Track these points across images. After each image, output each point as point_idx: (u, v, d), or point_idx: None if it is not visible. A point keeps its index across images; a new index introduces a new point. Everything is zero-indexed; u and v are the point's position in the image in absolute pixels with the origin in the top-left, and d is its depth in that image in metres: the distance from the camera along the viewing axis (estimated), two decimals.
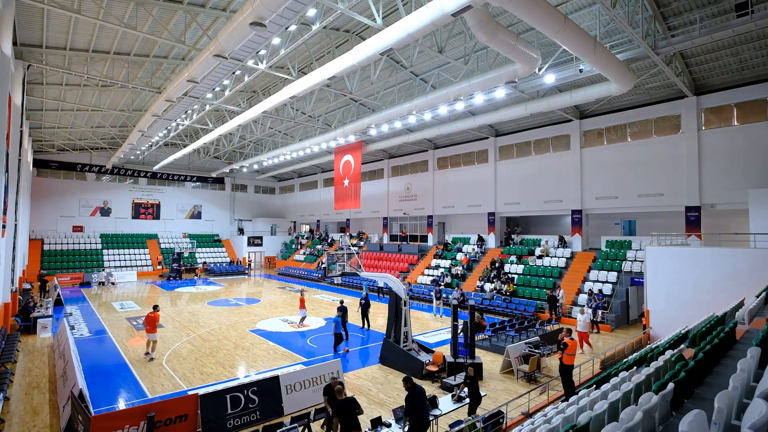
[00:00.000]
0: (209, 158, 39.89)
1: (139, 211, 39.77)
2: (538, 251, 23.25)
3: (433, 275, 26.00)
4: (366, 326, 17.04)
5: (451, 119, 23.33)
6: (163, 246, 38.78)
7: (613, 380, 6.28)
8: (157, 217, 40.77)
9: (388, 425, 7.31)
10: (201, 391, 8.38)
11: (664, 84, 18.05)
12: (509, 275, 22.32)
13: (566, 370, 9.50)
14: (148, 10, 13.71)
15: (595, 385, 7.19)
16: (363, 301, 17.16)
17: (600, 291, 18.28)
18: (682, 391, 4.74)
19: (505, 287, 21.35)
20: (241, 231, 44.34)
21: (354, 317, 17.14)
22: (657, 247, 15.26)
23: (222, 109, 25.78)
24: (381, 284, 23.83)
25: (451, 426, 7.24)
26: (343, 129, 23.24)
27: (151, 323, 12.71)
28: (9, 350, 11.97)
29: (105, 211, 37.88)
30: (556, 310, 17.86)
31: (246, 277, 36.19)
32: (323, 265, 30.51)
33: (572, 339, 9.63)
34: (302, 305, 17.34)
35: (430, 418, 7.31)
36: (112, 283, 30.32)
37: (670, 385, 4.38)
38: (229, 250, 42.41)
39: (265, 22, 10.48)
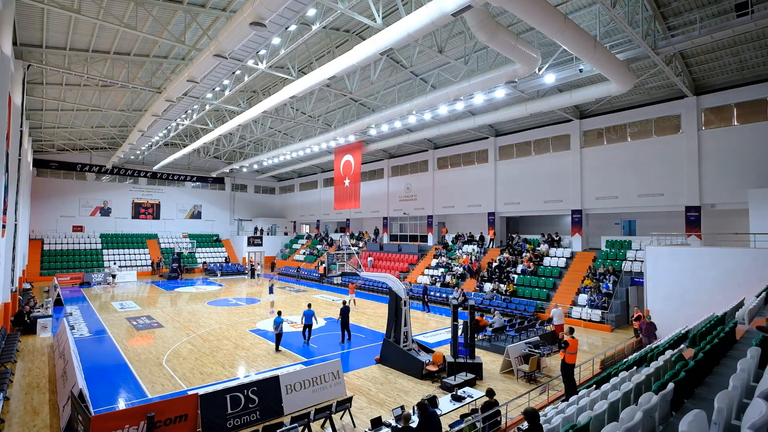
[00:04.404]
0: (209, 158, 39.89)
1: (139, 211, 39.77)
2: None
3: (433, 275, 26.02)
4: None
5: (451, 119, 23.32)
6: (163, 246, 38.78)
7: (613, 380, 6.28)
8: (157, 217, 40.76)
9: (388, 425, 7.31)
10: (201, 391, 8.38)
11: (664, 84, 18.05)
12: (510, 275, 22.32)
13: (568, 369, 9.47)
14: (148, 10, 13.71)
15: (595, 385, 7.19)
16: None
17: (599, 289, 18.30)
18: (682, 391, 4.74)
19: (504, 287, 21.35)
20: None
21: (359, 318, 17.39)
22: (657, 247, 15.26)
23: (222, 109, 25.79)
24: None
25: (451, 426, 7.24)
26: (343, 129, 23.24)
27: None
28: (9, 350, 11.98)
29: (105, 211, 37.88)
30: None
31: (246, 277, 36.19)
32: (323, 265, 30.53)
33: (573, 337, 9.62)
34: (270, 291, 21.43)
35: None
36: (108, 283, 30.30)
37: (670, 385, 4.38)
38: (229, 250, 42.39)
39: (265, 22, 10.48)
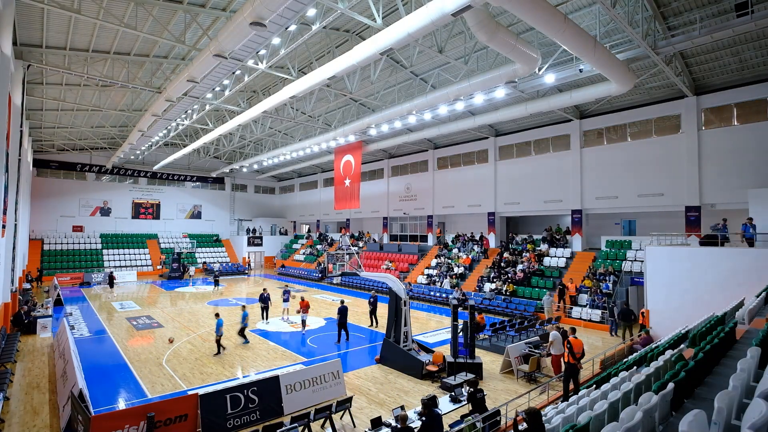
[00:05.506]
0: (209, 158, 39.89)
1: (139, 211, 39.77)
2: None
3: (432, 275, 26.02)
4: (374, 325, 17.43)
5: (451, 119, 23.32)
6: (163, 246, 38.78)
7: (613, 380, 6.28)
8: (157, 217, 40.77)
9: (388, 425, 7.31)
10: (201, 391, 8.38)
11: (664, 84, 18.05)
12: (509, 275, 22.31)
13: (574, 370, 9.44)
14: (148, 10, 13.71)
15: (595, 385, 7.19)
16: (371, 300, 17.76)
17: (599, 290, 18.30)
18: (682, 391, 4.74)
19: (504, 287, 21.34)
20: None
21: (359, 318, 17.96)
22: (657, 247, 15.25)
23: (222, 109, 25.78)
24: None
25: (451, 426, 7.23)
26: (343, 129, 23.24)
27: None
28: (9, 350, 11.98)
29: (105, 211, 37.88)
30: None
31: (246, 277, 36.20)
32: (321, 267, 30.53)
33: (576, 338, 9.58)
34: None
35: None
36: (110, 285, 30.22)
37: (670, 385, 4.38)
38: (229, 250, 42.39)
39: (265, 22, 10.48)
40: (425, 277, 26.43)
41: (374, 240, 35.36)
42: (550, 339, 10.90)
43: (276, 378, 9.24)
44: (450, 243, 28.95)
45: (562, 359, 9.66)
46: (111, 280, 28.81)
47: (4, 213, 12.92)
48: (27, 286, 23.92)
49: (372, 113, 21.16)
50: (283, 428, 7.08)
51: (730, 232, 17.19)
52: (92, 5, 13.44)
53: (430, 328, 17.39)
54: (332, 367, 10.12)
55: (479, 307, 19.79)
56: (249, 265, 39.92)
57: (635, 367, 7.25)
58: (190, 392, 9.22)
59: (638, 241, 19.78)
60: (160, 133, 26.06)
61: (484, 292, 22.22)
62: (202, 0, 13.90)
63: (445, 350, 12.64)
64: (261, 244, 42.78)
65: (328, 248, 36.45)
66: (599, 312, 17.38)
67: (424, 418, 6.77)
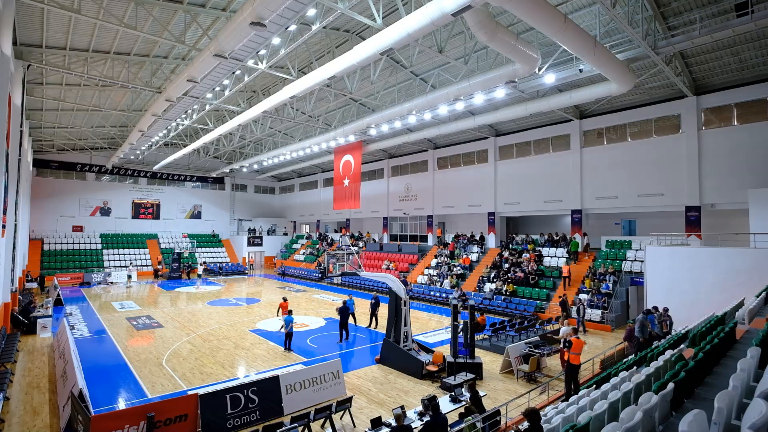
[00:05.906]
0: (209, 158, 39.88)
1: (139, 211, 39.76)
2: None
3: (432, 275, 26.02)
4: (374, 326, 17.48)
5: (451, 119, 23.31)
6: (163, 246, 38.78)
7: (613, 380, 6.28)
8: (157, 217, 40.76)
9: (388, 425, 7.30)
10: (201, 391, 8.39)
11: (664, 84, 18.04)
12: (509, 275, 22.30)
13: (573, 370, 9.43)
14: (148, 10, 13.71)
15: (595, 385, 7.19)
16: (373, 301, 17.76)
17: (599, 290, 18.29)
18: (682, 391, 4.74)
19: (504, 287, 21.34)
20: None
21: (359, 318, 18.04)
22: (657, 247, 15.25)
23: (222, 109, 25.78)
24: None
25: (451, 426, 7.23)
26: (343, 129, 23.24)
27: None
28: (9, 350, 11.98)
29: (105, 211, 37.87)
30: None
31: (246, 277, 36.20)
32: (321, 267, 30.46)
33: (577, 338, 9.60)
34: None
35: None
36: (111, 283, 30.33)
37: (670, 385, 4.38)
38: (229, 250, 42.38)
39: (265, 22, 10.49)
40: (425, 277, 26.45)
41: (374, 240, 35.36)
42: (561, 333, 10.93)
43: (276, 378, 9.24)
44: (447, 243, 28.92)
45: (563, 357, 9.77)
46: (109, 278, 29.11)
47: (4, 213, 12.92)
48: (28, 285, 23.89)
49: (372, 113, 21.16)
50: (283, 428, 7.08)
51: (729, 231, 17.25)
52: (92, 5, 13.45)
53: (430, 328, 17.39)
54: (332, 367, 10.13)
55: (479, 307, 19.78)
56: (251, 265, 39.33)
57: (635, 367, 7.25)
58: (190, 392, 9.22)
59: (638, 241, 19.78)
60: (160, 133, 26.05)
61: (484, 292, 22.23)
62: (202, 0, 13.91)
63: (445, 350, 12.64)
64: (261, 244, 42.77)
65: (328, 248, 36.42)
66: (599, 312, 17.37)
67: (427, 417, 6.77)
